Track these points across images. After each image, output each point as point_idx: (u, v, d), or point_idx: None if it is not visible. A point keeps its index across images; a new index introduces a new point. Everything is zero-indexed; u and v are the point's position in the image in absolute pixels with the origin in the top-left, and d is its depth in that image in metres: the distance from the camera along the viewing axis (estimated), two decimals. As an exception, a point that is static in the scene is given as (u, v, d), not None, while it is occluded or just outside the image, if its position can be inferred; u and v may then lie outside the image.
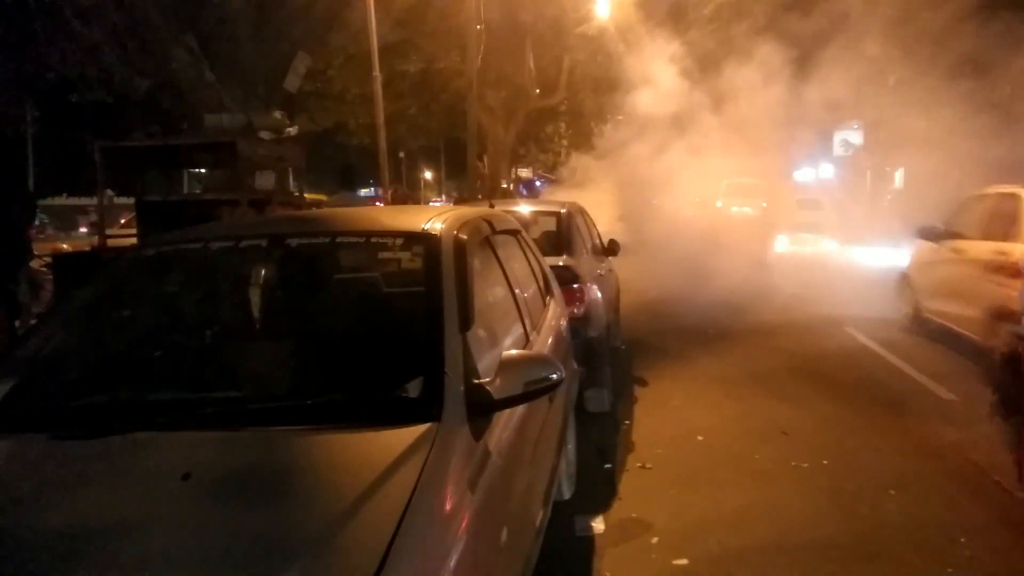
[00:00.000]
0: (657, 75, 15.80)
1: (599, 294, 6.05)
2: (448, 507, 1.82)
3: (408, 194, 27.41)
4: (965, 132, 10.97)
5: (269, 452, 1.92)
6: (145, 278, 2.72)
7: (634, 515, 4.10)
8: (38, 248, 9.24)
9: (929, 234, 7.67)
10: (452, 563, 1.74)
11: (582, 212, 7.04)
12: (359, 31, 13.66)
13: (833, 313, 9.15)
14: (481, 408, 2.18)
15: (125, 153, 8.56)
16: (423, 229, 2.68)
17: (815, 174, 26.84)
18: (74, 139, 18.14)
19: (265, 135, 8.44)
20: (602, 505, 4.20)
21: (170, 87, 9.47)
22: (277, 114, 8.70)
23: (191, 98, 9.19)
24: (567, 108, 25.41)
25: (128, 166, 8.72)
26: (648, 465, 4.81)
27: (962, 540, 3.70)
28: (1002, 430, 4.33)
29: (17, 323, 6.56)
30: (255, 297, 2.67)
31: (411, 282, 2.56)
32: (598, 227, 7.86)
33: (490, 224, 3.26)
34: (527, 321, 3.22)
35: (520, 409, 2.49)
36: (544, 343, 3.33)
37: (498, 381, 2.22)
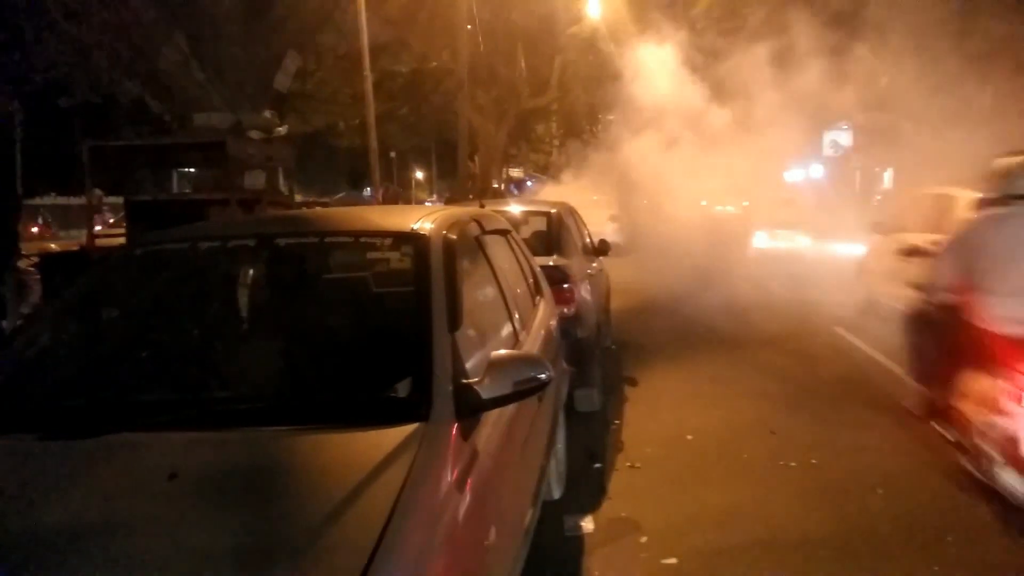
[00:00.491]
0: (648, 75, 15.84)
1: (589, 294, 6.06)
2: (436, 507, 1.82)
3: (399, 193, 27.39)
4: (952, 133, 11.10)
5: (256, 452, 1.92)
6: (133, 278, 2.71)
7: (623, 514, 4.11)
8: (26, 248, 9.18)
9: (879, 228, 8.84)
10: (440, 563, 1.75)
11: (572, 212, 7.06)
12: (349, 31, 13.64)
13: (811, 304, 9.49)
14: (469, 408, 2.18)
15: (114, 153, 8.52)
16: (412, 229, 2.68)
17: (805, 174, 26.98)
18: (63, 139, 18.04)
19: (255, 135, 8.42)
20: (592, 505, 4.21)
21: (159, 87, 9.43)
22: (267, 114, 8.67)
23: (180, 98, 9.16)
24: (559, 108, 25.45)
25: (117, 166, 8.68)
26: (637, 464, 4.83)
27: (949, 538, 3.72)
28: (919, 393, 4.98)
29: (4, 323, 6.52)
30: (244, 297, 2.67)
31: (400, 282, 2.56)
32: (590, 227, 7.92)
33: (479, 224, 3.26)
34: (517, 321, 3.22)
35: (509, 409, 2.50)
36: (534, 343, 3.33)
37: (487, 381, 2.23)
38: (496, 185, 23.07)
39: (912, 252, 5.41)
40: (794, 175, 25.60)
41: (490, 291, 3.09)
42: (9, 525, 1.68)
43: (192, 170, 9.81)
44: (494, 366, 2.26)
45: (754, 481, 4.53)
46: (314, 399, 2.15)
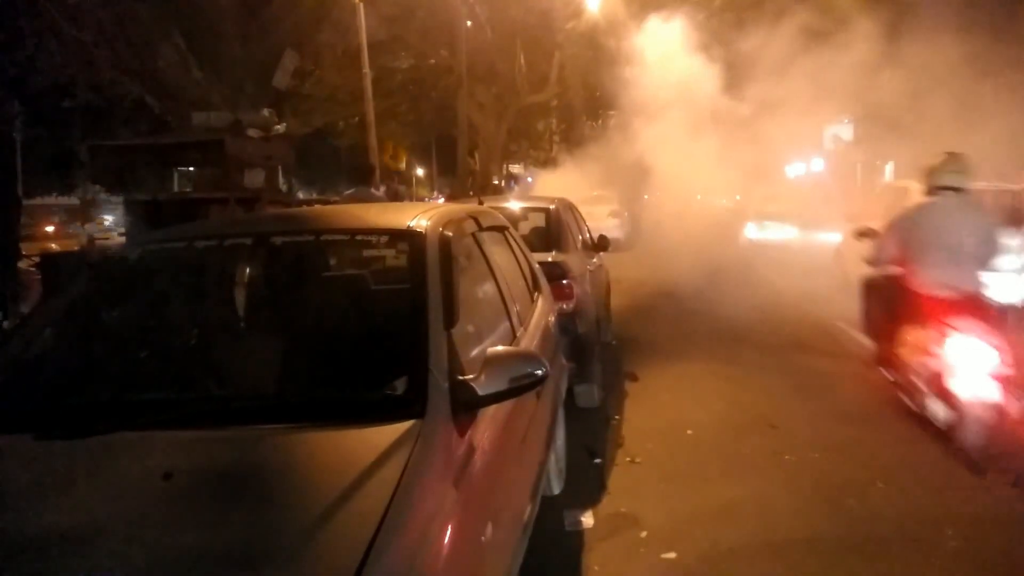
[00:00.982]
0: (646, 70, 15.82)
1: (588, 290, 6.06)
2: (431, 504, 1.83)
3: (398, 190, 27.38)
4: (954, 126, 11.11)
5: (252, 451, 1.92)
6: (130, 277, 2.72)
7: (623, 509, 4.12)
8: (26, 248, 9.20)
9: (852, 217, 9.74)
10: (436, 559, 1.75)
11: (571, 208, 7.05)
12: (348, 29, 13.63)
13: (806, 294, 9.77)
14: (466, 404, 2.19)
15: (113, 152, 8.53)
16: (408, 226, 2.68)
17: (806, 168, 26.96)
18: (64, 139, 18.05)
19: (253, 133, 8.42)
20: (591, 500, 4.22)
21: (158, 86, 9.43)
22: (265, 112, 8.67)
23: (179, 97, 9.16)
24: (559, 104, 25.42)
25: (116, 165, 8.68)
26: (637, 459, 4.83)
27: (948, 532, 3.73)
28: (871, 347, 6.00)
29: (4, 323, 6.53)
30: (240, 296, 2.67)
31: (396, 279, 2.57)
32: (590, 223, 7.97)
33: (476, 221, 3.26)
34: (514, 317, 3.23)
35: (506, 405, 2.50)
36: (532, 339, 3.34)
37: (483, 377, 2.23)
38: (496, 181, 23.06)
39: (864, 233, 6.10)
40: (795, 169, 25.58)
41: (487, 288, 3.10)
42: (2, 525, 1.69)
43: (192, 169, 9.81)
44: (490, 362, 2.27)
45: (754, 475, 4.53)
46: (310, 397, 2.16)
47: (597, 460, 4.83)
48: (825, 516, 3.95)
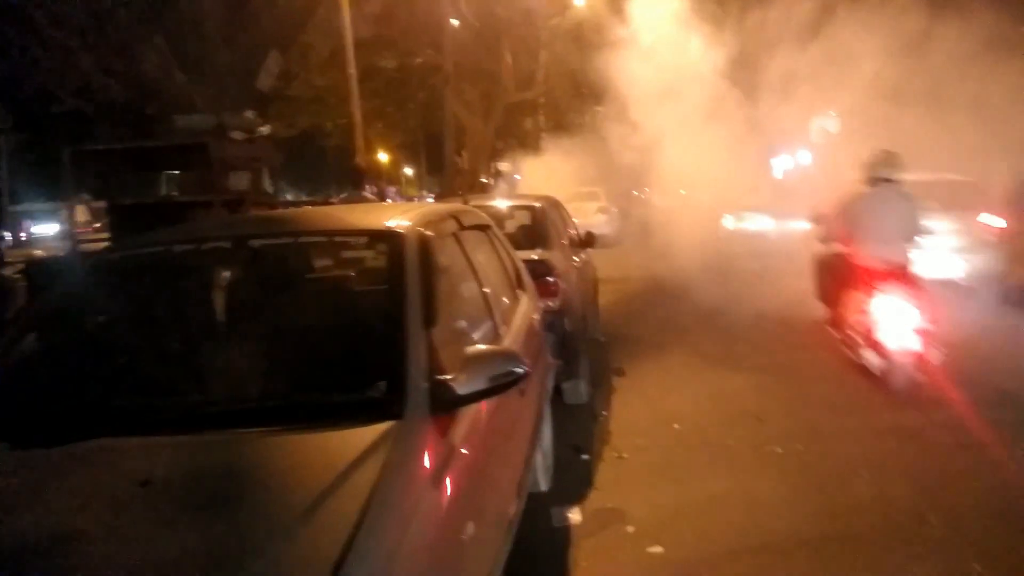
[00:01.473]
0: (632, 65, 15.83)
1: (575, 287, 6.08)
2: (409, 505, 1.84)
3: (385, 191, 27.34)
4: (937, 121, 11.21)
5: (229, 455, 1.92)
6: (108, 283, 2.71)
7: (610, 505, 4.14)
8: (12, 255, 9.13)
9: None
10: (413, 559, 1.76)
11: (557, 206, 7.06)
12: (332, 30, 13.58)
13: (787, 284, 9.64)
14: (445, 404, 2.19)
15: (96, 157, 8.48)
16: (387, 227, 2.69)
17: (793, 161, 27.03)
18: (50, 144, 17.91)
19: (237, 135, 8.39)
20: (579, 496, 4.24)
21: (140, 89, 9.38)
22: (249, 114, 8.64)
23: (162, 100, 9.11)
24: (546, 101, 25.39)
25: (100, 170, 8.62)
26: (625, 455, 4.86)
27: (931, 520, 3.76)
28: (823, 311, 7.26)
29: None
30: (219, 300, 2.67)
31: (376, 280, 2.57)
32: (579, 219, 8.05)
33: (457, 220, 3.27)
34: (497, 316, 3.24)
35: (489, 403, 2.51)
36: (514, 337, 3.35)
37: (462, 377, 2.24)
38: (485, 180, 23.03)
39: (818, 218, 7.16)
40: (782, 162, 25.66)
41: (469, 287, 3.11)
42: None
43: (177, 172, 9.77)
44: (470, 361, 2.28)
45: (740, 468, 4.56)
46: (288, 400, 2.16)
47: (584, 456, 4.84)
48: (810, 507, 3.98)
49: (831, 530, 3.73)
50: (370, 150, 26.81)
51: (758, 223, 16.60)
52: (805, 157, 26.29)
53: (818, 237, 7.14)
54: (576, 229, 7.57)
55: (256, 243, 2.65)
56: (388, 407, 2.05)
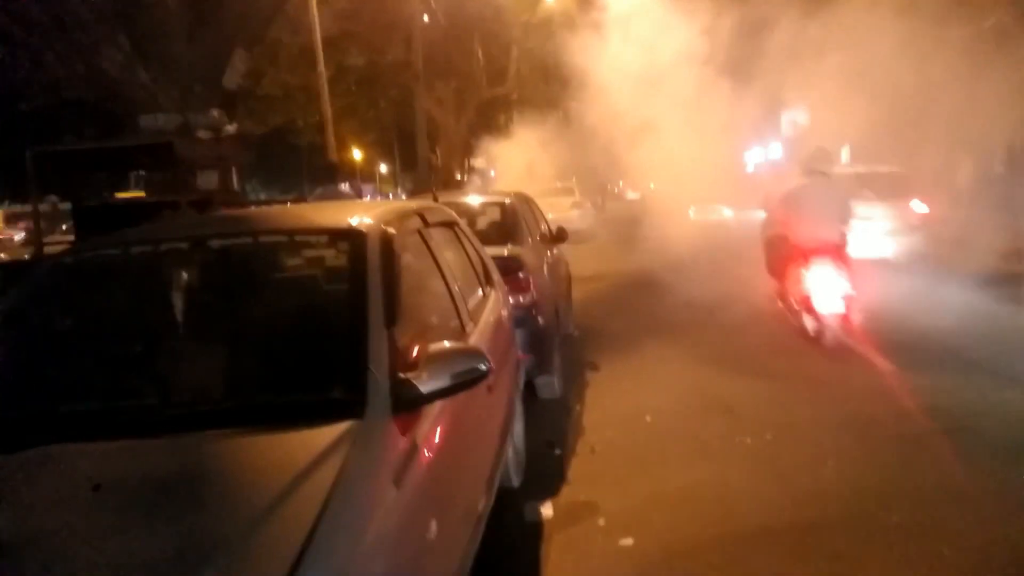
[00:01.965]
0: (604, 61, 15.86)
1: (546, 282, 6.09)
2: (369, 505, 1.83)
3: (361, 188, 27.18)
4: (908, 112, 11.41)
5: (184, 458, 1.90)
6: (62, 286, 2.66)
7: (582, 498, 4.15)
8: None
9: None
10: (373, 560, 1.75)
11: (528, 201, 7.07)
12: (301, 25, 13.46)
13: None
14: (407, 403, 2.18)
15: (59, 158, 8.33)
16: (348, 225, 2.67)
17: (764, 154, 27.28)
18: (17, 145, 17.53)
19: (203, 134, 8.28)
20: (551, 490, 4.24)
21: (103, 88, 9.22)
22: (215, 112, 8.52)
23: (126, 99, 8.96)
24: (519, 97, 25.36)
25: (64, 171, 8.46)
26: (597, 449, 4.87)
27: (893, 506, 3.82)
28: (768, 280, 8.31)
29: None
30: (176, 301, 2.63)
31: (338, 279, 2.55)
32: (554, 215, 8.15)
33: (422, 217, 3.25)
34: (463, 313, 3.23)
35: (455, 400, 2.50)
36: (481, 334, 3.34)
37: (424, 375, 2.23)
38: (459, 176, 22.98)
39: (767, 205, 8.48)
40: (753, 155, 25.88)
41: (434, 284, 3.09)
42: None
43: (143, 173, 9.62)
44: (432, 359, 2.27)
45: (711, 459, 4.60)
46: (246, 401, 2.14)
47: (557, 451, 4.85)
48: (780, 497, 4.02)
49: (801, 518, 3.77)
50: (343, 147, 26.63)
51: (719, 214, 18.08)
52: (776, 150, 26.56)
53: (767, 222, 8.44)
54: (548, 224, 7.59)
55: (215, 243, 2.61)
56: (348, 406, 2.04)
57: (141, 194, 9.81)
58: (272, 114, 21.17)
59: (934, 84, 11.36)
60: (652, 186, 19.46)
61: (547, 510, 4.00)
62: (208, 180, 8.47)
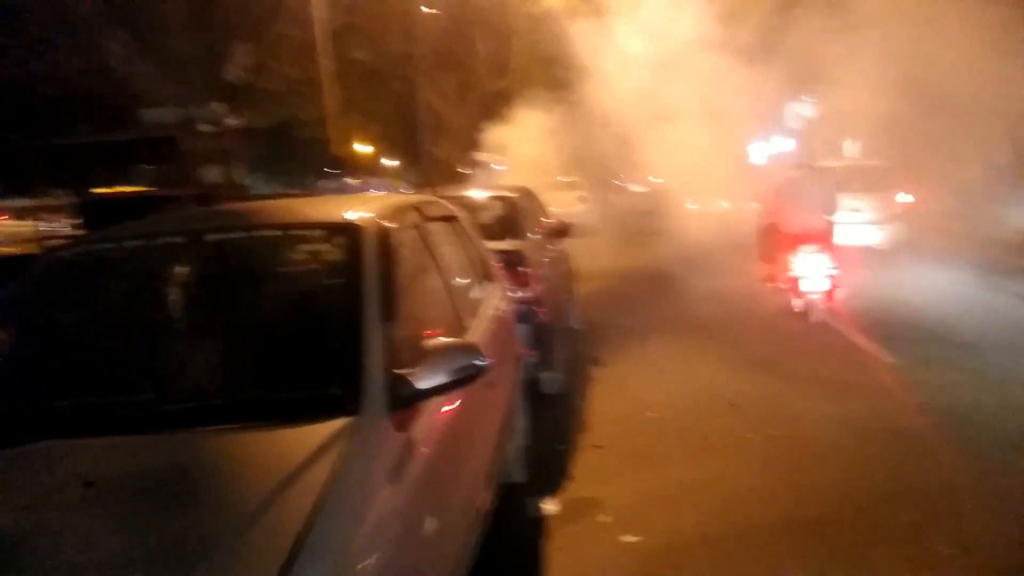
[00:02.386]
0: (607, 54, 15.76)
1: (549, 277, 6.04)
2: (364, 503, 1.80)
3: (368, 181, 27.13)
4: (916, 104, 11.36)
5: (178, 455, 1.87)
6: (57, 282, 2.64)
7: (586, 495, 4.12)
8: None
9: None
10: (367, 558, 1.72)
11: (531, 196, 7.02)
12: (302, 19, 13.41)
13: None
14: (404, 399, 2.15)
15: (64, 152, 8.31)
16: (345, 219, 2.63)
17: (769, 147, 27.10)
18: (17, 139, 17.57)
19: (205, 128, 8.24)
20: (554, 486, 4.21)
21: (106, 83, 9.20)
22: (216, 106, 8.49)
23: (128, 93, 8.94)
24: (521, 90, 25.22)
25: (68, 165, 8.45)
26: (601, 444, 4.84)
27: (899, 503, 3.78)
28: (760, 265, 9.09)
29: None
30: (170, 296, 2.60)
31: (334, 274, 2.52)
32: (559, 209, 8.21)
33: (420, 211, 3.21)
34: (462, 308, 3.19)
35: (453, 395, 2.47)
36: (480, 330, 3.30)
37: (421, 371, 2.20)
38: (463, 170, 22.89)
39: (759, 197, 9.17)
40: (758, 148, 25.73)
41: (432, 279, 3.05)
42: None
43: (147, 167, 9.60)
44: (429, 355, 2.24)
45: (715, 456, 4.56)
46: (240, 398, 2.11)
47: (561, 446, 4.82)
48: (785, 494, 3.98)
49: (806, 515, 3.73)
50: (348, 141, 26.56)
51: (716, 205, 18.74)
52: (781, 143, 26.40)
53: (758, 212, 9.23)
54: (551, 219, 7.53)
55: (210, 237, 2.58)
56: (344, 403, 2.01)
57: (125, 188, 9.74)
58: (276, 108, 21.12)
59: (956, 69, 11.26)
60: (656, 179, 19.80)
61: (550, 506, 3.98)
62: (211, 174, 8.45)
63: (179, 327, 2.53)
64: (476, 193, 6.89)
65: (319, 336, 2.31)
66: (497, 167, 21.40)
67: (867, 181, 11.83)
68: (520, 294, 5.29)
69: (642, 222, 16.39)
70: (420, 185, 20.79)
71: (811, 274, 7.71)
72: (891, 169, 12.58)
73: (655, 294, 9.77)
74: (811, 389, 5.64)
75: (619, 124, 15.44)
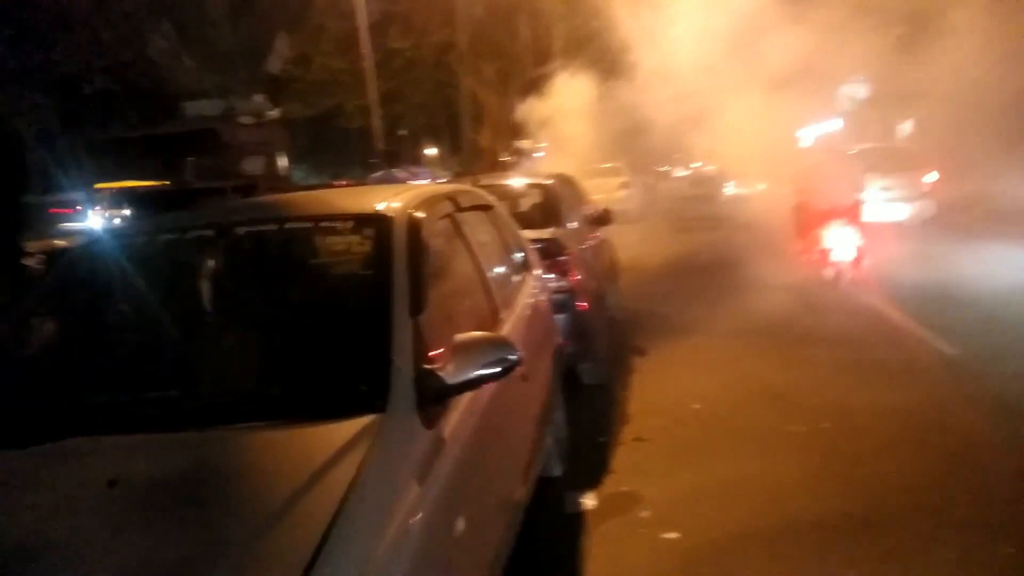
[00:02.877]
0: (652, 39, 15.46)
1: (589, 265, 5.94)
2: (389, 503, 1.74)
3: (418, 171, 27.21)
4: (972, 83, 11.08)
5: (203, 453, 1.84)
6: (87, 276, 2.64)
7: (626, 489, 4.03)
8: (33, 245, 9.21)
9: None
10: (394, 560, 1.67)
11: (570, 182, 6.90)
12: (345, 10, 13.43)
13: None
14: (433, 395, 2.09)
15: (110, 146, 8.47)
16: (375, 210, 2.57)
17: (821, 130, 26.37)
18: (78, 131, 18.01)
19: (246, 120, 8.30)
20: (594, 480, 4.13)
21: (149, 76, 9.34)
22: (258, 98, 8.54)
23: (171, 86, 9.06)
24: (563, 75, 24.95)
25: (114, 159, 8.61)
26: (642, 437, 4.73)
27: (961, 499, 3.60)
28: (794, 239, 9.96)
29: None
30: (198, 291, 2.58)
31: (363, 266, 2.47)
32: (601, 196, 8.14)
33: (454, 201, 3.14)
34: (497, 299, 3.12)
35: (486, 390, 2.40)
36: (516, 321, 3.23)
37: (450, 366, 2.14)
38: (505, 158, 22.78)
39: (794, 178, 10.05)
40: (810, 132, 25.06)
41: (466, 270, 2.99)
42: None
43: (191, 159, 9.73)
44: (458, 349, 2.17)
45: (762, 449, 4.41)
46: (266, 395, 2.07)
47: (601, 439, 4.73)
48: (834, 490, 3.83)
49: (856, 511, 3.58)
50: (392, 132, 26.64)
51: (754, 188, 19.35)
52: (830, 126, 25.64)
53: (793, 192, 10.12)
54: (592, 206, 7.40)
55: (240, 230, 2.55)
56: (370, 399, 1.95)
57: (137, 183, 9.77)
58: (321, 98, 21.28)
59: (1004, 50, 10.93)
60: (698, 165, 20.39)
61: (589, 501, 3.90)
62: (253, 165, 8.52)
63: (206, 322, 2.51)
64: (514, 181, 6.81)
65: (346, 330, 2.26)
66: (538, 154, 21.24)
67: (896, 161, 13.22)
68: (559, 283, 5.20)
69: (686, 207, 16.90)
70: (460, 174, 20.74)
71: (839, 245, 8.63)
72: (919, 150, 13.98)
73: (697, 280, 9.74)
74: (860, 377, 5.45)
75: (665, 109, 15.16)
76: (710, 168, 21.49)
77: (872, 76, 21.65)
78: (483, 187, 4.36)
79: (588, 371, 5.58)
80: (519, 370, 2.38)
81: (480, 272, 3.06)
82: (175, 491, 1.72)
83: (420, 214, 2.62)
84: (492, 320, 2.95)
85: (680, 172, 21.99)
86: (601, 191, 15.47)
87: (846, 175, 9.03)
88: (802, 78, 14.33)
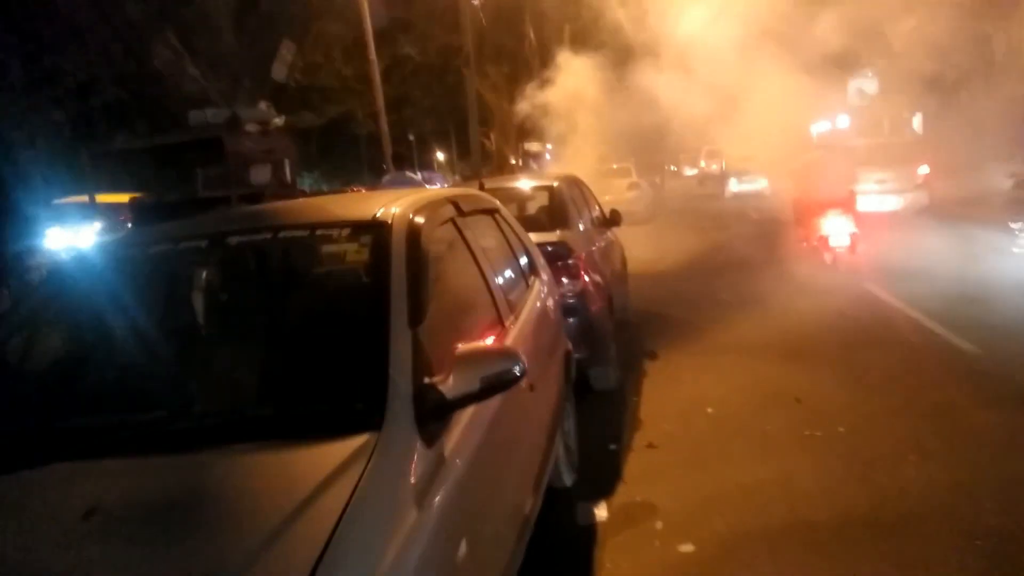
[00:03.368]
0: (660, 38, 15.34)
1: (598, 268, 5.83)
2: (385, 529, 1.63)
3: (431, 176, 27.22)
4: (982, 78, 10.98)
5: (188, 478, 1.73)
6: (73, 291, 2.54)
7: (639, 499, 3.92)
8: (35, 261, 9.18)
9: None
10: (389, 590, 1.56)
11: (577, 184, 6.78)
12: (350, 16, 13.38)
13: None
14: (432, 411, 1.98)
15: (113, 156, 8.43)
16: (373, 217, 2.47)
17: (832, 125, 26.15)
18: (86, 141, 18.05)
19: (252, 128, 8.24)
20: (606, 490, 4.02)
21: (154, 84, 9.31)
22: (262, 105, 8.48)
23: (175, 94, 9.03)
24: (572, 77, 24.85)
25: (118, 169, 8.57)
26: (655, 443, 4.61)
27: (987, 505, 3.47)
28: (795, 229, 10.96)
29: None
30: (191, 304, 2.49)
31: (359, 276, 2.36)
32: (610, 197, 8.04)
33: (456, 205, 3.04)
34: (502, 306, 3.01)
35: (492, 400, 2.29)
36: (522, 328, 3.12)
37: (451, 379, 2.03)
38: (513, 161, 22.72)
39: (793, 173, 10.97)
40: (820, 127, 24.85)
41: (469, 277, 2.88)
42: None
43: (199, 169, 9.69)
44: (459, 362, 2.06)
45: (778, 455, 4.28)
46: (255, 414, 1.97)
47: (612, 446, 4.62)
48: (854, 496, 3.70)
49: (878, 519, 3.45)
50: (402, 137, 26.63)
51: (755, 184, 20.75)
52: (840, 121, 25.41)
53: (792, 186, 11.17)
54: (601, 207, 7.29)
55: (232, 240, 2.45)
56: (366, 417, 1.85)
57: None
58: (329, 105, 21.29)
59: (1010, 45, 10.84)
60: (703, 164, 21.58)
61: (601, 512, 3.78)
62: (260, 174, 8.45)
63: (196, 337, 2.41)
64: (522, 183, 6.71)
65: (341, 344, 2.15)
66: (548, 156, 21.14)
67: (891, 155, 14.19)
68: (568, 287, 5.10)
69: (695, 206, 17.61)
70: (469, 177, 20.67)
71: (836, 232, 9.49)
72: (913, 144, 15.00)
73: (708, 280, 9.69)
74: (875, 378, 5.32)
75: (673, 109, 15.02)
76: (717, 166, 21.86)
77: (879, 71, 21.47)
78: (489, 190, 4.25)
79: (598, 376, 5.47)
80: (526, 380, 2.27)
81: (484, 278, 2.95)
82: (156, 520, 1.61)
83: (420, 219, 2.52)
84: (497, 328, 2.85)
85: (689, 171, 22.24)
86: (610, 192, 15.37)
87: (842, 169, 10.14)
88: (813, 72, 14.19)
